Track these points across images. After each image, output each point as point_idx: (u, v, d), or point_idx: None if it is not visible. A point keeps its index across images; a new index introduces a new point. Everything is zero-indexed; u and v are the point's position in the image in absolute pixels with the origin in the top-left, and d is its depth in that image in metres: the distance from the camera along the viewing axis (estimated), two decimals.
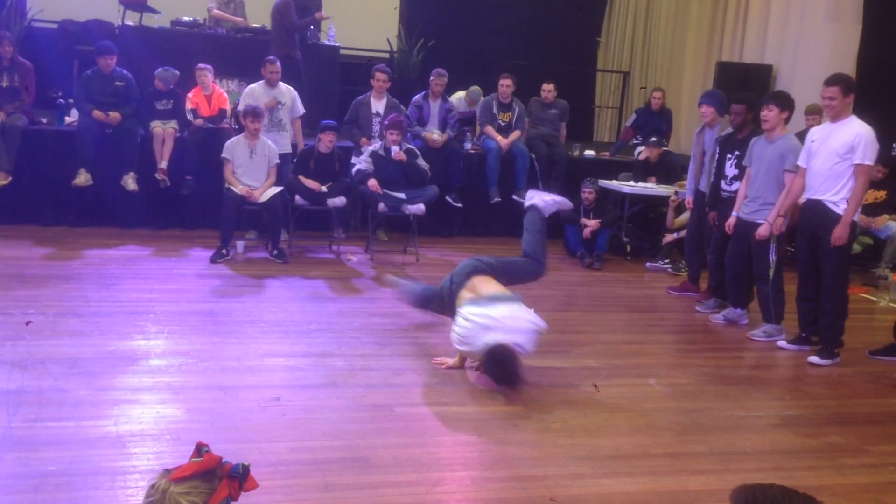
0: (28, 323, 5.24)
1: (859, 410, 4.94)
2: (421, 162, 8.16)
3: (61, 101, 8.84)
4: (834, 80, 5.59)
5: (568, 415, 4.46)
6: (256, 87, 8.24)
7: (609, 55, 13.22)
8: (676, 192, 8.33)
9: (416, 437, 4.07)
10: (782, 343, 6.04)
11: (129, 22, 9.68)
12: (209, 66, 8.42)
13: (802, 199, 5.87)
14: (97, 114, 8.04)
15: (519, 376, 4.65)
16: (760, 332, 6.21)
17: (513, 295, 5.00)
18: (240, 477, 2.11)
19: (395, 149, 7.95)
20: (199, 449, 3.42)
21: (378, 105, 8.72)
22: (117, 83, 8.24)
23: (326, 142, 7.84)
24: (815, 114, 7.97)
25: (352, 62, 10.65)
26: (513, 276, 5.32)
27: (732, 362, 5.73)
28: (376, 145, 8.20)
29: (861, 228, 8.51)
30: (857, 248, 8.61)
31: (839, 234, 5.51)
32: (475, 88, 10.17)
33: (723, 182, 6.69)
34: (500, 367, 4.60)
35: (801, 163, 5.82)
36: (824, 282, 5.74)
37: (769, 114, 6.03)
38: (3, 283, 6.13)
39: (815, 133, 5.81)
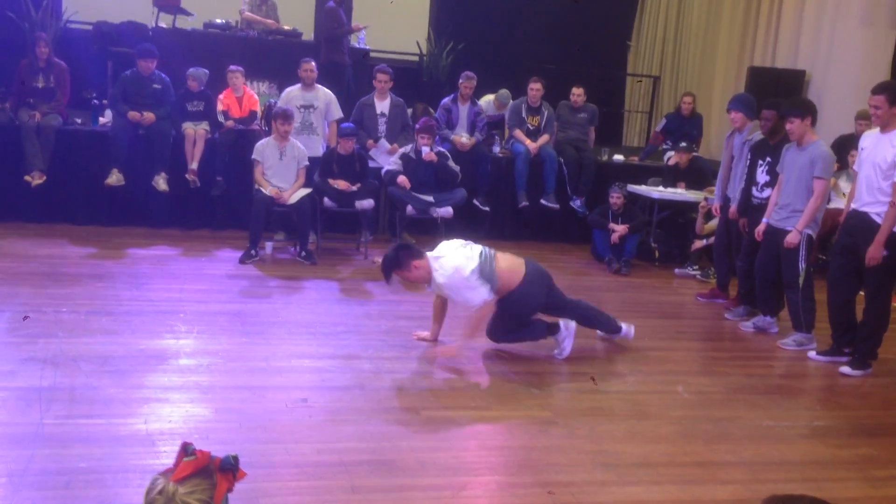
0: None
1: (891, 422, 4.87)
2: (451, 164, 8.18)
3: (95, 101, 8.96)
4: (880, 89, 5.49)
5: (595, 421, 4.44)
6: (293, 89, 8.32)
7: (639, 59, 13.15)
8: (706, 198, 8.26)
9: (442, 441, 4.07)
10: (812, 355, 5.96)
11: (162, 24, 9.79)
12: (240, 68, 8.50)
13: (849, 208, 5.77)
14: (133, 114, 8.14)
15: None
16: (790, 341, 6.14)
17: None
18: (232, 468, 2.12)
19: (425, 149, 7.98)
20: (186, 448, 3.43)
21: (382, 105, 8.75)
22: (155, 85, 8.34)
23: (346, 147, 7.89)
24: (866, 119, 7.86)
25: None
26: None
27: (762, 371, 5.68)
28: (407, 147, 8.23)
29: None
30: None
31: (872, 254, 5.41)
32: (504, 92, 10.17)
33: (754, 189, 6.63)
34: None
35: (855, 167, 5.76)
36: (866, 293, 5.66)
37: (792, 126, 5.98)
38: (37, 281, 6.23)
39: (865, 140, 5.68)
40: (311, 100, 8.31)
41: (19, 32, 9.35)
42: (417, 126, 8.16)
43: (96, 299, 5.93)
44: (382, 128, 8.69)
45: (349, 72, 9.69)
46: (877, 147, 5.51)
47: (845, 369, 5.63)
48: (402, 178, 7.92)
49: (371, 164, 8.39)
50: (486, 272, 5.09)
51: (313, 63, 8.32)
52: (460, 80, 9.11)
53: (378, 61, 10.42)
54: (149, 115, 8.16)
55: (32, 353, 4.74)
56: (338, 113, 8.50)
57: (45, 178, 7.99)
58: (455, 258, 5.12)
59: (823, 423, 4.74)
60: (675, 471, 3.94)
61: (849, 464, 4.19)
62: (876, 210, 5.47)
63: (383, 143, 8.60)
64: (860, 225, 5.56)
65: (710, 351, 6.19)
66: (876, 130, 5.61)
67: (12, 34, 9.40)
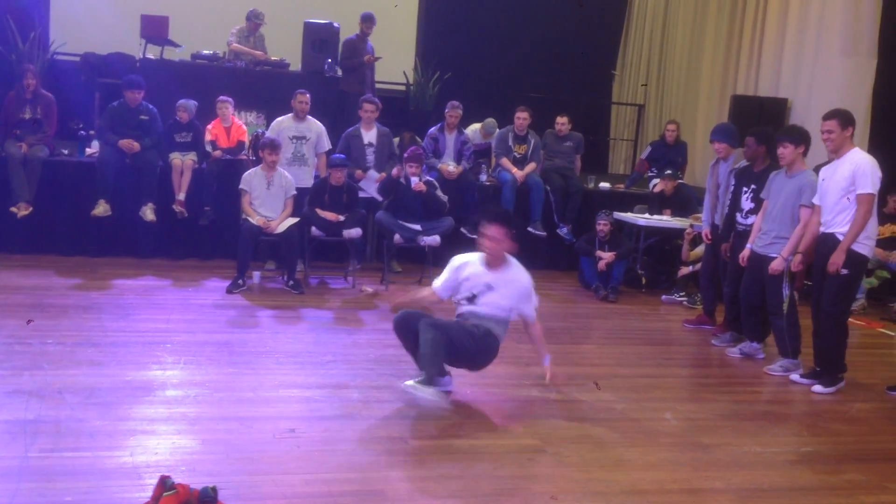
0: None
1: (878, 447, 4.89)
2: (439, 193, 8.22)
3: (82, 132, 8.98)
4: (831, 115, 5.70)
5: (583, 449, 4.44)
6: (284, 119, 8.37)
7: (624, 88, 13.30)
8: (692, 225, 8.33)
9: (431, 470, 4.05)
10: (795, 377, 6.00)
11: (150, 55, 9.83)
12: (230, 99, 8.56)
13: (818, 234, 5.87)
14: (124, 142, 8.13)
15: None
16: (777, 367, 6.16)
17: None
18: (211, 501, 2.10)
19: (415, 180, 8.01)
20: (165, 482, 3.41)
21: (369, 136, 8.78)
22: (142, 116, 8.36)
23: (337, 178, 7.91)
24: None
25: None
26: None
27: (749, 397, 5.69)
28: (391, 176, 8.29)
29: (879, 262, 8.49)
30: (874, 282, 8.59)
31: (834, 259, 5.54)
32: (490, 120, 10.26)
33: (738, 215, 6.69)
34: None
35: (815, 200, 5.84)
36: (822, 308, 5.75)
37: (784, 151, 6.06)
38: (23, 312, 6.18)
39: (824, 171, 5.85)
40: (304, 131, 8.36)
41: (6, 64, 9.40)
42: (406, 155, 8.20)
43: (82, 330, 5.90)
44: (370, 158, 8.72)
45: (354, 103, 9.82)
46: (835, 172, 5.67)
47: (817, 388, 5.71)
48: (396, 170, 8.03)
49: (361, 194, 8.41)
50: None
51: (308, 95, 8.38)
52: (447, 110, 9.17)
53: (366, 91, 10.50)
54: (134, 144, 8.16)
55: (17, 385, 4.70)
56: (327, 144, 8.55)
57: (31, 209, 7.97)
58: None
59: (811, 449, 4.75)
60: (665, 498, 3.94)
61: (837, 489, 4.20)
62: (841, 230, 5.62)
63: (372, 173, 8.63)
64: (827, 246, 5.68)
65: (697, 377, 6.21)
66: (832, 162, 5.78)
67: None
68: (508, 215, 5.33)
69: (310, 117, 8.45)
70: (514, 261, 5.17)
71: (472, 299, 5.05)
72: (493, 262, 5.08)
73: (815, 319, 5.92)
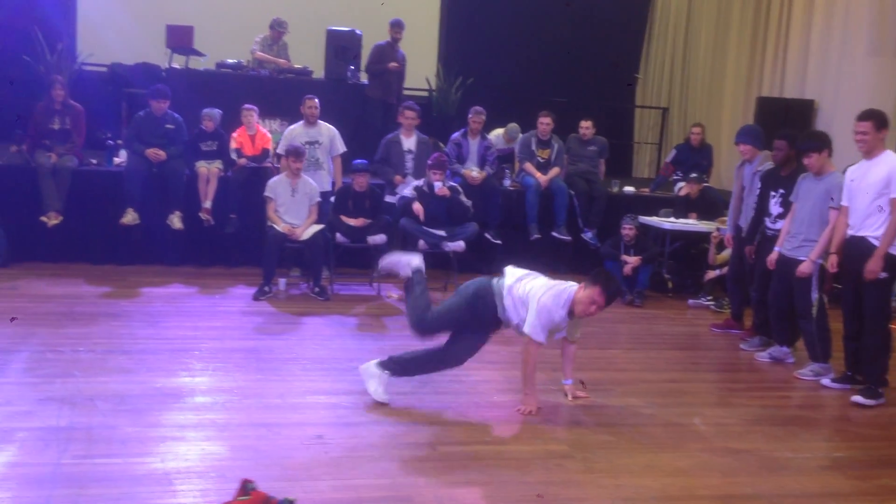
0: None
1: None
2: (463, 198, 8.23)
3: (110, 142, 9.08)
4: (866, 116, 5.60)
5: (612, 455, 4.42)
6: (296, 127, 8.40)
7: (647, 91, 13.24)
8: (718, 229, 8.26)
9: (459, 476, 4.05)
10: (826, 381, 5.94)
11: (175, 65, 9.94)
12: (255, 107, 8.62)
13: (846, 237, 5.80)
14: (150, 151, 8.23)
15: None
16: (808, 371, 6.10)
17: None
18: None
19: (438, 184, 8.02)
20: (245, 486, 3.47)
21: (408, 142, 8.82)
22: (168, 125, 8.45)
23: (359, 183, 7.95)
24: None
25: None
26: None
27: (779, 402, 5.64)
28: (420, 181, 8.29)
29: None
30: None
31: (871, 267, 5.45)
32: (513, 125, 10.25)
33: (767, 220, 6.63)
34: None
35: (844, 202, 5.78)
36: (865, 317, 5.66)
37: (810, 161, 6.02)
38: (54, 320, 6.28)
39: (852, 172, 5.77)
40: (315, 136, 8.39)
41: (35, 75, 9.53)
42: (429, 162, 8.22)
43: (112, 338, 5.96)
44: (409, 164, 8.73)
45: (378, 108, 9.96)
46: (866, 173, 5.59)
47: (857, 398, 5.59)
48: (416, 206, 7.97)
49: (389, 198, 8.43)
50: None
51: (316, 100, 8.41)
52: (470, 115, 9.18)
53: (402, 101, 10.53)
54: (160, 153, 8.25)
55: (50, 392, 4.76)
56: (342, 147, 8.58)
57: (61, 218, 8.07)
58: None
59: (843, 455, 4.69)
60: None
61: (870, 495, 4.15)
62: (873, 234, 5.53)
63: (410, 179, 8.62)
64: (859, 250, 5.59)
65: (726, 382, 6.16)
66: (862, 161, 5.70)
67: (28, 77, 9.58)
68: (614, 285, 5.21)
69: (321, 121, 8.48)
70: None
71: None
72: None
73: (847, 323, 5.84)
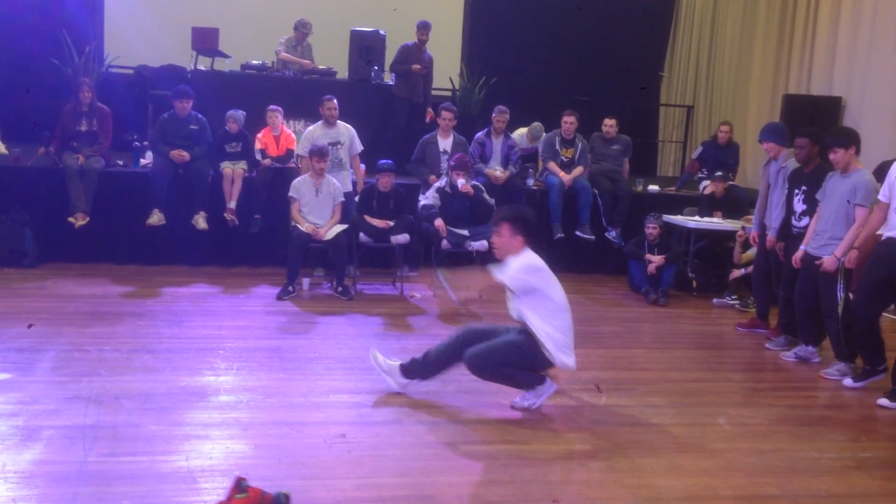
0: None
1: None
2: (486, 196, 8.22)
3: (136, 143, 9.18)
4: None
5: (634, 454, 4.40)
6: (315, 128, 8.44)
7: (672, 89, 13.15)
8: (743, 227, 8.19)
9: (481, 476, 4.05)
10: (848, 382, 5.87)
11: (201, 66, 10.02)
12: (279, 108, 8.67)
13: (883, 236, 5.71)
14: (174, 153, 8.31)
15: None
16: (834, 371, 6.04)
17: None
18: None
19: (461, 182, 8.01)
20: (240, 484, 3.48)
21: (445, 143, 8.85)
22: (192, 126, 8.52)
23: (384, 183, 7.96)
24: None
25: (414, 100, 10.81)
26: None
27: (805, 402, 5.58)
28: (442, 182, 8.30)
29: None
30: None
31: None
32: (537, 125, 10.23)
33: (792, 217, 6.58)
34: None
35: (882, 197, 5.69)
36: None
37: (836, 157, 5.94)
38: (80, 320, 6.35)
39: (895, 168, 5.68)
40: (336, 136, 8.41)
41: (62, 77, 9.65)
42: (452, 162, 8.22)
43: (138, 337, 6.02)
44: (444, 165, 8.75)
45: (403, 107, 9.97)
46: None
47: (883, 401, 5.51)
48: (439, 223, 7.92)
49: (423, 200, 8.45)
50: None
51: (335, 101, 8.42)
52: (493, 114, 9.18)
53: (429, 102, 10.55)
54: (183, 154, 8.32)
55: (76, 391, 4.82)
56: (360, 146, 8.60)
57: (88, 219, 8.17)
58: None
59: (870, 455, 4.64)
60: None
61: None
62: None
63: (444, 179, 8.63)
64: (890, 249, 5.50)
65: (751, 382, 6.10)
66: None
67: (56, 79, 9.70)
68: (519, 214, 5.13)
69: (339, 122, 8.49)
70: (523, 253, 5.03)
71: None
72: (502, 257, 5.06)
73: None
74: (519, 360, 4.90)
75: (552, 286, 4.97)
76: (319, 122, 8.44)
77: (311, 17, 10.29)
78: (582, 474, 4.12)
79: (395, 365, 5.15)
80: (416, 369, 5.11)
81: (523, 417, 4.89)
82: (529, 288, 4.91)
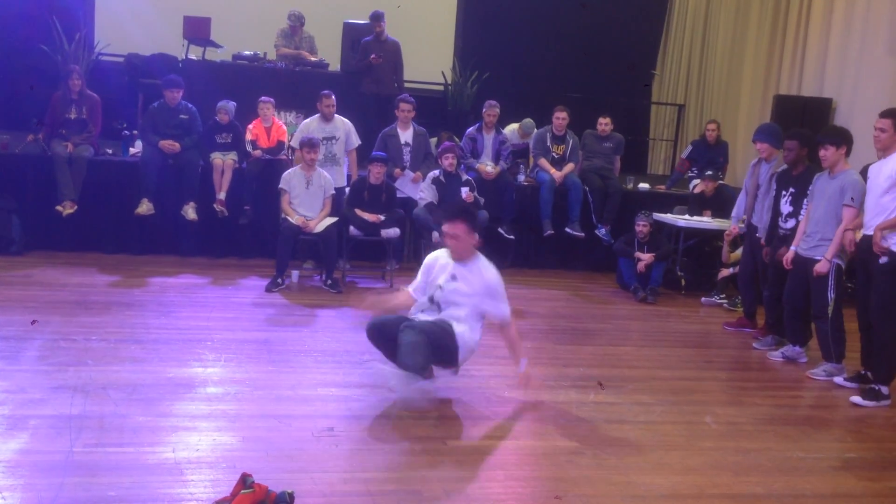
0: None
1: None
2: (475, 194, 8.23)
3: (126, 132, 9.13)
4: (887, 114, 5.62)
5: (622, 452, 4.41)
6: (311, 121, 8.40)
7: (664, 87, 13.18)
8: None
9: (469, 471, 4.05)
10: (840, 380, 5.91)
11: (192, 56, 9.97)
12: (271, 100, 8.64)
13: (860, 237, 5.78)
14: (164, 143, 8.27)
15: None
16: (820, 371, 6.07)
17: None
18: None
19: (465, 190, 8.03)
20: (245, 479, 3.48)
21: (406, 135, 8.81)
22: (182, 116, 8.48)
23: (375, 173, 7.95)
24: None
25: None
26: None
27: (791, 401, 5.61)
28: (435, 172, 8.30)
29: None
30: None
31: (876, 240, 5.44)
32: (528, 120, 10.23)
33: (779, 219, 6.60)
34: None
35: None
36: (875, 313, 5.62)
37: (826, 153, 5.97)
38: (67, 309, 6.31)
39: (871, 170, 5.77)
40: (332, 131, 8.40)
41: (52, 65, 9.58)
42: (440, 149, 8.24)
43: (125, 327, 5.99)
44: (407, 157, 8.75)
45: (368, 104, 9.93)
46: (879, 171, 5.61)
47: (856, 399, 5.58)
48: (435, 237, 7.85)
49: (398, 194, 8.45)
50: None
51: (333, 97, 8.39)
52: (484, 109, 9.17)
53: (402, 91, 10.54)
54: (175, 145, 8.28)
55: (63, 380, 4.79)
56: (357, 141, 8.58)
57: (76, 207, 8.12)
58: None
59: (855, 455, 4.66)
60: (705, 503, 3.89)
61: (882, 497, 4.12)
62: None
63: (408, 172, 8.67)
64: (868, 246, 5.58)
65: (738, 381, 6.13)
66: (878, 161, 5.71)
67: (46, 67, 9.63)
68: (468, 210, 5.22)
69: (337, 116, 8.47)
70: (482, 257, 5.10)
71: (439, 289, 5.02)
72: (460, 257, 5.05)
73: (861, 316, 5.81)
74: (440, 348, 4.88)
75: None
76: (316, 116, 8.42)
77: (305, 8, 10.28)
78: (569, 471, 4.13)
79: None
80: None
81: (512, 414, 4.89)
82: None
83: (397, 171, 8.65)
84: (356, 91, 9.85)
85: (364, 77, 9.92)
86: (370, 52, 9.78)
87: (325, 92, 8.43)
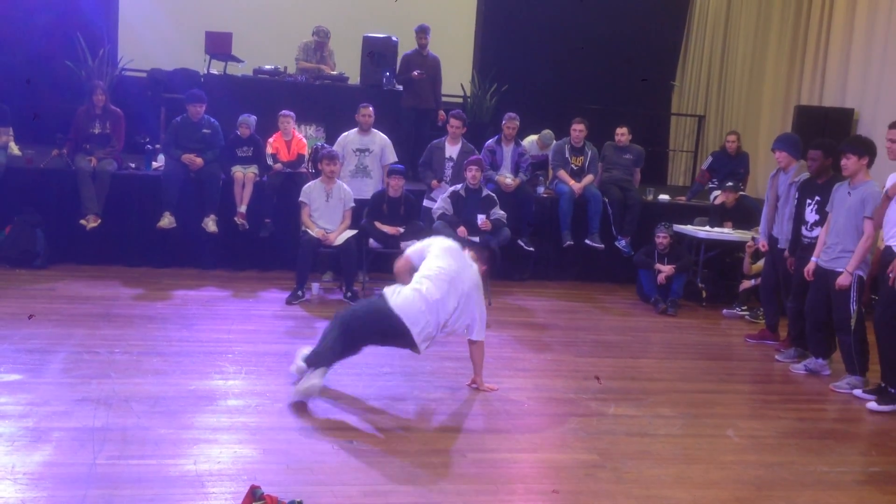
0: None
1: None
2: (499, 212, 8.16)
3: (149, 146, 9.22)
4: None
5: (643, 465, 4.38)
6: (350, 133, 8.52)
7: (684, 99, 13.15)
8: (753, 238, 8.17)
9: (489, 485, 4.05)
10: (858, 392, 5.85)
11: (213, 70, 10.07)
12: (292, 113, 8.71)
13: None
14: (186, 157, 8.35)
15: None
16: (844, 384, 6.01)
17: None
18: None
19: (481, 218, 7.97)
20: (255, 492, 3.49)
21: (452, 150, 8.85)
22: (204, 130, 8.56)
23: (394, 186, 7.98)
24: None
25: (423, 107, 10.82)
26: None
27: (814, 415, 5.55)
28: (456, 186, 8.28)
29: None
30: None
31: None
32: (547, 132, 10.23)
33: (803, 228, 6.56)
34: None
35: None
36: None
37: (847, 162, 5.93)
38: (91, 322, 6.38)
39: (889, 180, 5.73)
40: (367, 143, 8.50)
41: (76, 80, 9.71)
42: (466, 162, 8.22)
43: (148, 340, 6.04)
44: (448, 171, 8.76)
45: (409, 117, 10.04)
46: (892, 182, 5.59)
47: (871, 405, 5.55)
48: (461, 230, 7.87)
49: (427, 203, 8.46)
50: None
51: (370, 108, 8.51)
52: (504, 121, 9.18)
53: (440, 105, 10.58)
54: (197, 160, 8.37)
55: (86, 393, 4.84)
56: (392, 157, 8.65)
57: (99, 221, 8.20)
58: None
59: (880, 469, 4.61)
60: None
61: None
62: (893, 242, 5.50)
63: (445, 186, 8.64)
64: (887, 259, 5.56)
65: (760, 394, 6.08)
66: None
67: (70, 82, 9.76)
68: (496, 258, 5.79)
69: (374, 130, 8.60)
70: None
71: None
72: None
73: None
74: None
75: None
76: (354, 129, 8.55)
77: (324, 22, 10.36)
78: (589, 484, 4.11)
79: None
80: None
81: (532, 427, 4.88)
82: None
83: (434, 182, 8.67)
84: (375, 104, 9.90)
85: (405, 90, 10.03)
86: (412, 67, 9.90)
87: (363, 103, 8.58)
